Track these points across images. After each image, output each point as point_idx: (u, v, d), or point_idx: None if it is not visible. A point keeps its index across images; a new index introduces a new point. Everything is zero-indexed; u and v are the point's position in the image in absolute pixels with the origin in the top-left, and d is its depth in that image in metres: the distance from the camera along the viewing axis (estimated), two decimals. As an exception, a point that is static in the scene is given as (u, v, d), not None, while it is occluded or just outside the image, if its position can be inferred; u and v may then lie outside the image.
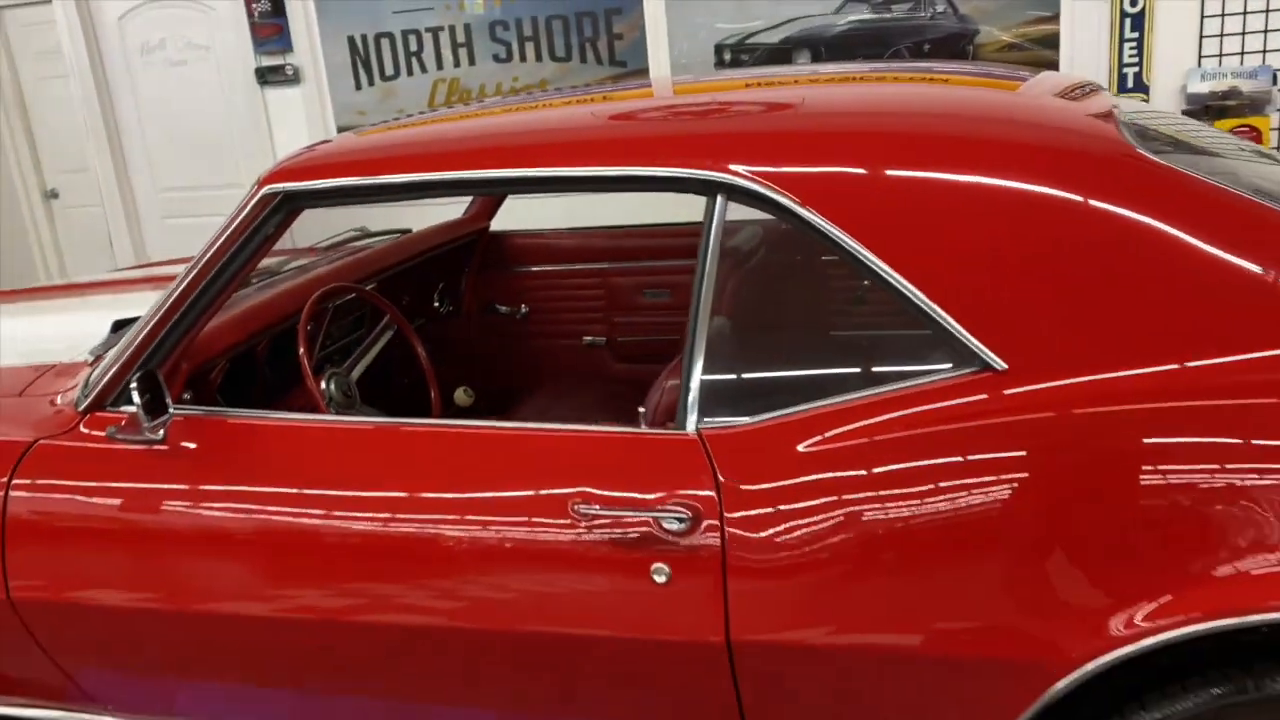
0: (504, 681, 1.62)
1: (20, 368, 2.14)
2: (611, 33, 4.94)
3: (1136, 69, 4.37)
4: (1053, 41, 4.43)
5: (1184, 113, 4.34)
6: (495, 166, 1.61)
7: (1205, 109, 4.30)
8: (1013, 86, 1.78)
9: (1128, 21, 4.32)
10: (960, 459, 1.34)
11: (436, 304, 3.00)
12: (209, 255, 1.72)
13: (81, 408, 1.80)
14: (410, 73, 5.25)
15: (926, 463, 1.35)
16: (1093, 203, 1.38)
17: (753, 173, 1.50)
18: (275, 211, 1.73)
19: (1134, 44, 4.35)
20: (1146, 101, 4.36)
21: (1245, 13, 4.19)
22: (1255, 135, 4.25)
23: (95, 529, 1.73)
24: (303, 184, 1.71)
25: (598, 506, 1.48)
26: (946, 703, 1.42)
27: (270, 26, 5.33)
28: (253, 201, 1.72)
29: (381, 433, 1.67)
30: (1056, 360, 1.36)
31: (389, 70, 5.28)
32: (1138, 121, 1.66)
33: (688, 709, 1.54)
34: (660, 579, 1.46)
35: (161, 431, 1.70)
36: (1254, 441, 1.27)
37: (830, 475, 1.39)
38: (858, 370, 1.48)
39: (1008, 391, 1.36)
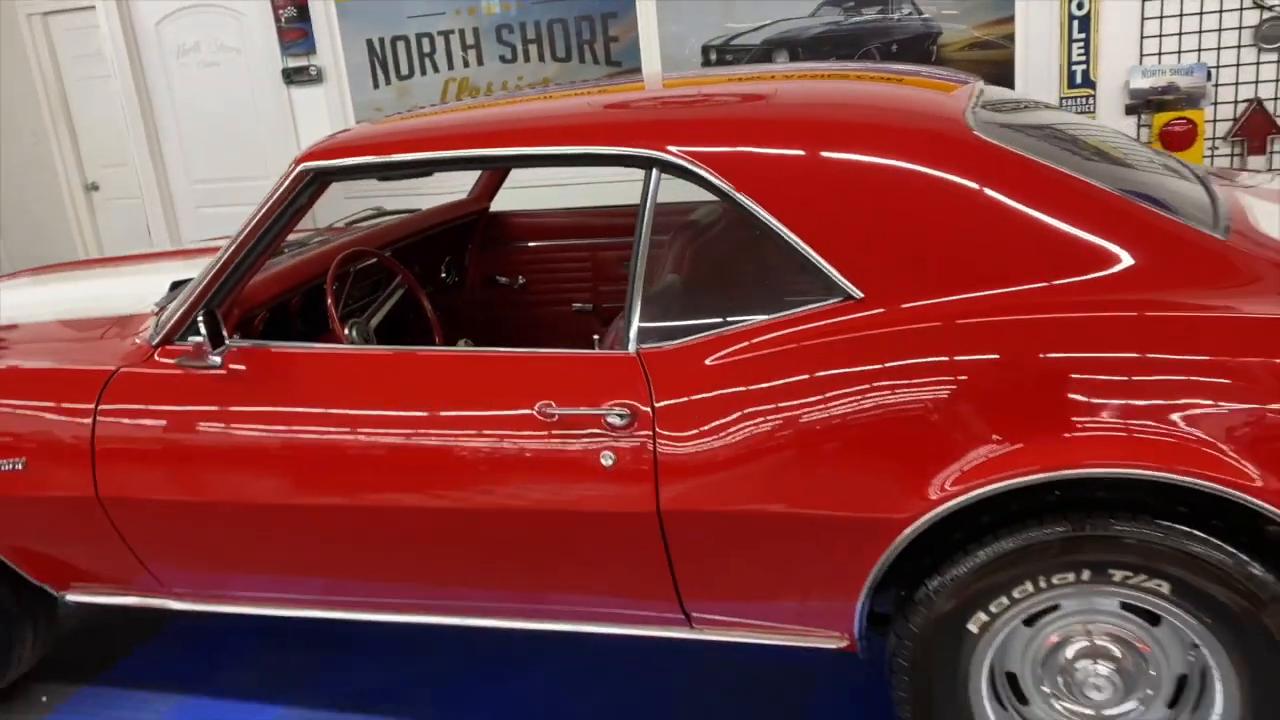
0: (488, 553, 2.07)
1: (98, 318, 2.61)
2: (608, 35, 5.38)
3: (1084, 66, 4.78)
4: (1009, 42, 4.84)
5: (1127, 107, 4.75)
6: (477, 146, 2.07)
7: (1146, 103, 4.70)
8: (935, 85, 2.23)
9: (1075, 23, 4.72)
10: (825, 365, 1.78)
11: (443, 275, 3.45)
12: (257, 219, 2.18)
13: (155, 342, 2.26)
14: (424, 72, 5.71)
15: (800, 369, 1.80)
16: (927, 170, 1.82)
17: (683, 152, 1.94)
18: (308, 185, 2.18)
19: (1081, 44, 4.75)
20: (1092, 94, 4.76)
21: (1182, 15, 4.59)
22: (1191, 127, 4.64)
23: (166, 438, 2.19)
24: (329, 162, 2.16)
25: (560, 408, 1.93)
26: (824, 551, 1.85)
27: (295, 30, 5.80)
28: (290, 177, 2.18)
29: (390, 359, 2.13)
30: (899, 290, 1.80)
31: (404, 70, 5.74)
32: (997, 116, 2.08)
33: (633, 564, 1.99)
34: (607, 462, 1.91)
35: (220, 359, 2.16)
36: (1042, 349, 1.70)
37: (729, 381, 1.84)
38: (753, 303, 1.92)
39: (862, 314, 1.80)
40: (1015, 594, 1.77)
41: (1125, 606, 1.80)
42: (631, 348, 1.94)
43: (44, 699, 2.71)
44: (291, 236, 2.62)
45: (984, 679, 1.87)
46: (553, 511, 1.98)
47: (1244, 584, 1.65)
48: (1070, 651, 1.85)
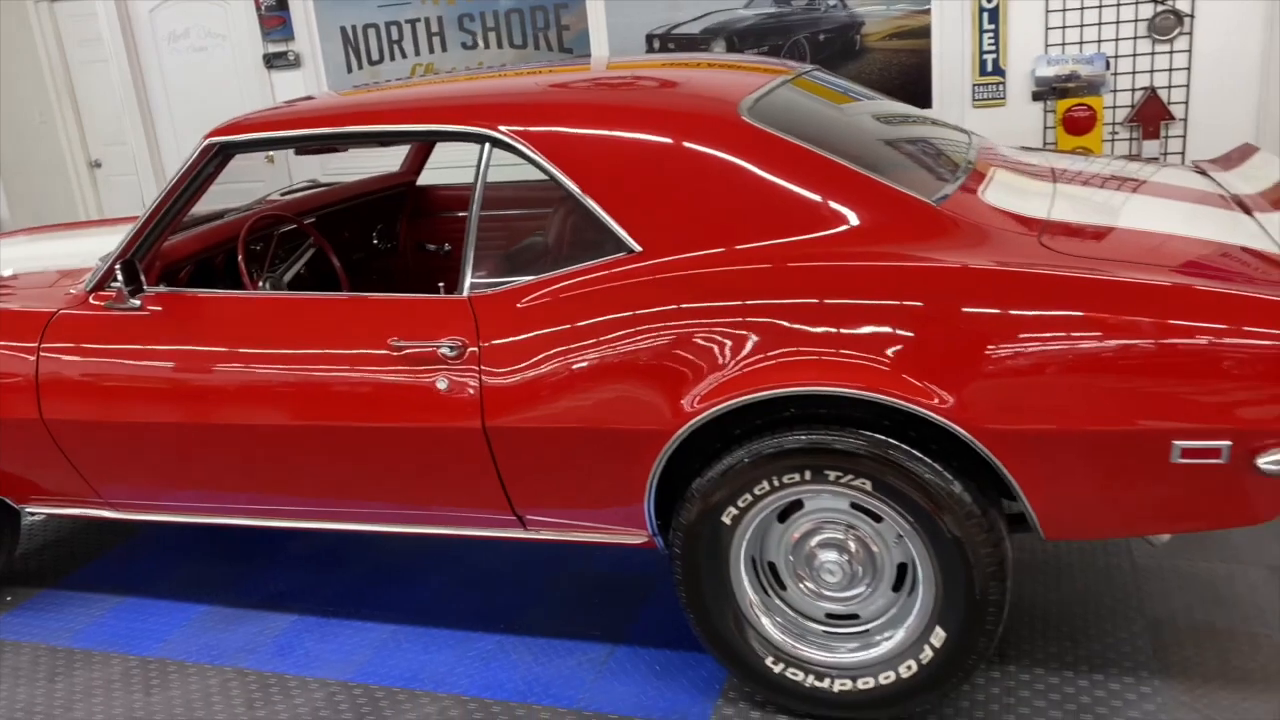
0: (359, 467, 2.48)
1: (56, 271, 3.06)
2: (560, 24, 5.77)
3: (994, 55, 5.12)
4: (925, 32, 5.19)
5: (1033, 94, 5.09)
6: (346, 125, 2.48)
7: (1051, 90, 5.04)
8: (761, 70, 2.62)
9: (985, 15, 5.07)
10: (607, 307, 2.18)
11: (375, 241, 3.87)
12: (170, 186, 2.60)
13: (89, 289, 2.70)
14: (393, 58, 6.12)
15: (588, 309, 2.20)
16: (695, 146, 2.21)
17: (510, 131, 2.34)
18: (214, 157, 2.61)
19: (991, 34, 5.10)
20: (1002, 81, 5.10)
21: (1083, 7, 4.92)
22: (1091, 113, 4.98)
23: (94, 368, 2.63)
24: (230, 137, 2.58)
25: (405, 342, 2.34)
26: (613, 460, 2.24)
27: (275, 18, 6.23)
28: (199, 150, 2.60)
29: (278, 303, 2.55)
30: (670, 245, 2.19)
31: (375, 56, 6.16)
32: (780, 101, 2.47)
33: (472, 474, 2.39)
34: (442, 386, 2.32)
35: (139, 302, 2.59)
36: (774, 292, 2.09)
37: (534, 319, 2.24)
38: (560, 256, 2.32)
39: (639, 264, 2.20)
40: (756, 491, 2.17)
41: (854, 506, 2.20)
42: (465, 292, 2.35)
43: (9, 599, 3.17)
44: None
45: (742, 565, 2.27)
46: (406, 429, 2.39)
47: (925, 486, 2.04)
48: (811, 543, 2.25)
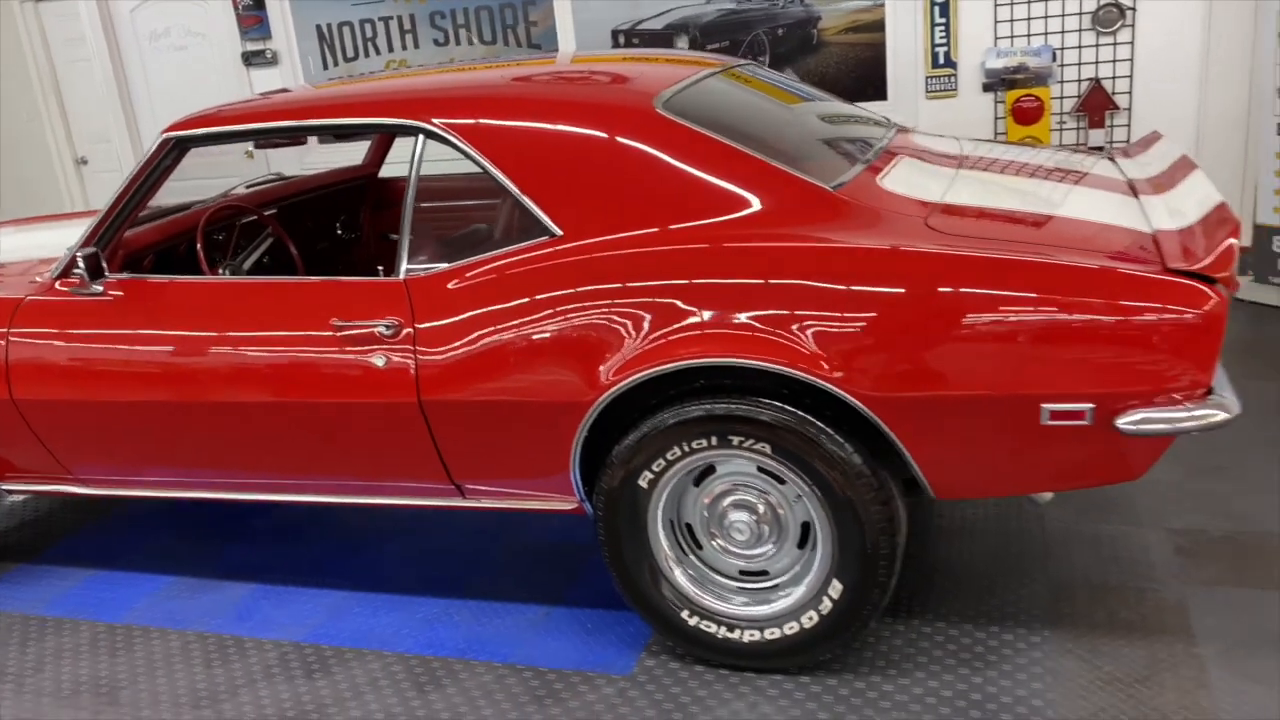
0: (307, 440, 2.65)
1: (30, 260, 3.23)
2: (528, 21, 5.94)
3: (945, 48, 5.28)
4: (880, 26, 5.35)
5: (984, 85, 5.26)
6: (292, 119, 2.65)
7: (1000, 81, 5.21)
8: (690, 63, 2.80)
9: (936, 9, 5.23)
10: (530, 287, 2.35)
11: (340, 231, 4.03)
12: (130, 179, 2.76)
13: (54, 276, 2.86)
14: (367, 54, 6.29)
15: (513, 290, 2.36)
16: (611, 136, 2.37)
17: (442, 123, 2.51)
18: (171, 151, 2.77)
19: (943, 28, 5.26)
20: (954, 74, 5.26)
21: (1030, 1, 5.08)
22: (1038, 104, 5.15)
23: (59, 350, 2.79)
24: (185, 132, 2.75)
25: (346, 322, 2.51)
26: (540, 431, 2.40)
27: (252, 17, 6.39)
28: (156, 145, 2.76)
29: (231, 287, 2.72)
30: (589, 229, 2.35)
31: (350, 53, 6.32)
32: (698, 92, 2.63)
33: (411, 446, 2.56)
34: (380, 363, 2.49)
35: (100, 288, 2.76)
36: (681, 272, 2.25)
37: (464, 299, 2.41)
38: (489, 240, 2.49)
39: (560, 247, 2.37)
40: (669, 456, 2.34)
41: (761, 470, 2.36)
42: (401, 275, 2.52)
43: (-13, 573, 3.35)
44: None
45: (660, 525, 2.44)
46: (348, 405, 2.56)
47: (818, 449, 2.21)
48: (723, 504, 2.42)
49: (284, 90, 3.18)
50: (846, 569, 2.29)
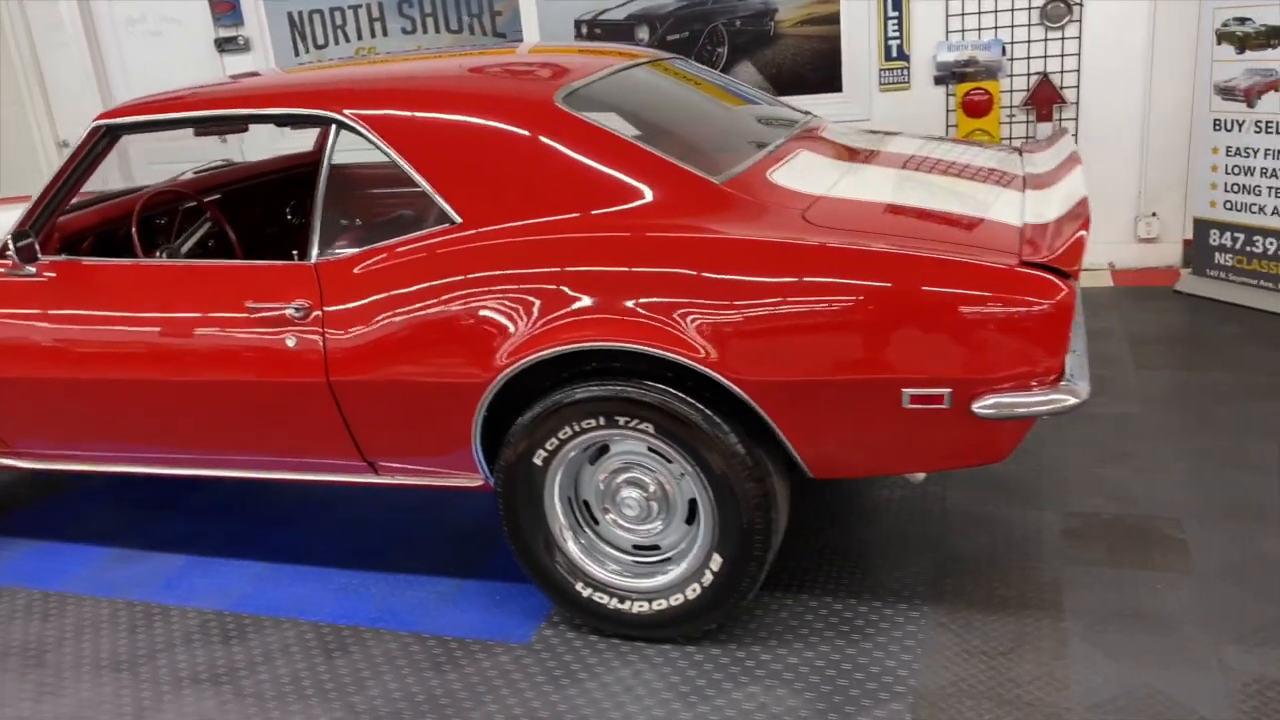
0: (226, 417, 2.77)
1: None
2: (493, 9, 6.02)
3: (898, 41, 5.37)
4: (835, 19, 5.44)
5: (935, 78, 5.34)
6: (214, 109, 2.76)
7: (951, 74, 5.29)
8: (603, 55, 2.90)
9: (889, 2, 5.31)
10: (430, 272, 2.46)
11: (289, 216, 4.14)
12: (63, 165, 2.88)
13: (-10, 258, 2.99)
14: (337, 42, 6.38)
15: (414, 274, 2.47)
16: (510, 128, 2.48)
17: (352, 114, 2.61)
18: (102, 138, 2.88)
19: (895, 21, 5.34)
20: (906, 66, 5.35)
21: (980, -4, 5.17)
22: (987, 97, 5.23)
23: (-1, 329, 2.92)
24: (116, 120, 2.86)
25: (259, 303, 2.62)
26: (442, 409, 2.51)
27: (225, 4, 6.48)
28: (88, 132, 2.87)
29: (155, 269, 2.83)
30: (487, 217, 2.46)
31: (320, 40, 6.41)
32: (607, 88, 2.74)
33: (324, 423, 2.67)
34: (291, 343, 2.60)
35: (33, 269, 2.88)
36: (571, 260, 2.36)
37: (369, 283, 2.52)
38: (394, 227, 2.59)
39: (459, 234, 2.47)
40: (561, 435, 2.45)
41: (651, 449, 2.47)
42: (313, 259, 2.63)
43: (-64, 543, 3.48)
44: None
45: (556, 501, 2.55)
46: (263, 383, 2.67)
47: (696, 429, 2.31)
48: (616, 481, 2.53)
49: (253, 73, 3.29)
50: (726, 544, 2.40)
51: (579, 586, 2.58)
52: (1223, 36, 4.48)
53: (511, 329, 2.40)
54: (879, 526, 3.00)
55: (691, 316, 2.27)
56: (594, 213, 2.42)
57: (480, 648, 2.62)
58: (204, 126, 2.89)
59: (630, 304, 2.31)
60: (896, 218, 2.41)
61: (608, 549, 2.59)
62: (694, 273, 2.29)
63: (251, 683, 2.57)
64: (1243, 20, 4.39)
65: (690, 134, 2.73)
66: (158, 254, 3.25)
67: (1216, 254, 4.74)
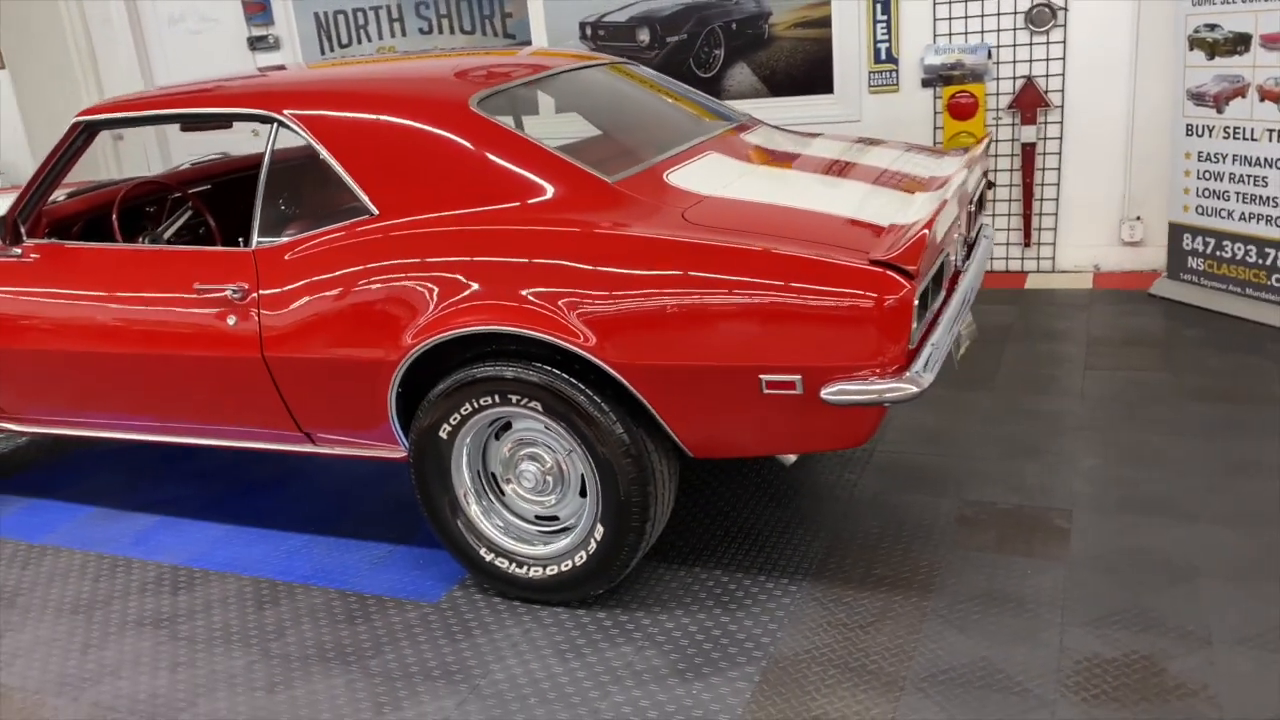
0: (178, 388, 3.05)
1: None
2: (504, 11, 6.27)
3: (887, 44, 5.48)
4: (827, 22, 5.57)
5: (923, 81, 5.44)
6: (174, 108, 3.04)
7: (938, 77, 5.39)
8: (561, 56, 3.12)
9: (878, 6, 5.43)
10: (349, 259, 2.70)
11: (283, 207, 4.43)
12: (47, 158, 3.18)
13: (-18, 240, 3.31)
14: (359, 41, 6.69)
15: (335, 261, 2.72)
16: (423, 127, 2.71)
17: (290, 114, 2.87)
18: (82, 134, 3.18)
19: (884, 24, 5.46)
20: (895, 69, 5.46)
21: (968, 0, 5.26)
22: (972, 100, 5.32)
23: (-12, 304, 3.24)
24: (94, 117, 3.15)
25: (206, 285, 2.89)
26: (361, 385, 2.75)
27: (257, 5, 6.84)
28: (68, 129, 3.18)
29: (122, 253, 3.12)
30: (401, 209, 2.69)
31: (344, 39, 6.73)
32: (527, 90, 2.95)
33: (263, 396, 2.93)
34: (231, 322, 2.86)
35: (19, 250, 3.19)
36: (471, 249, 2.58)
37: (297, 269, 2.77)
38: (322, 218, 2.84)
39: (375, 225, 2.71)
40: (463, 411, 2.67)
41: (548, 428, 2.68)
42: (252, 246, 2.89)
43: (-55, 498, 3.84)
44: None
45: (464, 471, 2.77)
46: (209, 358, 2.94)
47: (578, 408, 2.52)
48: (518, 455, 2.75)
49: (280, 67, 3.57)
50: (607, 515, 2.60)
51: (482, 551, 2.80)
52: (1194, 42, 4.53)
53: (417, 313, 2.62)
54: (789, 508, 3.17)
55: (574, 305, 2.47)
56: (496, 207, 2.64)
57: (394, 605, 2.86)
58: (166, 123, 3.16)
59: (521, 292, 2.52)
60: (770, 218, 2.59)
61: (510, 517, 2.81)
62: (578, 265, 2.49)
63: (187, 628, 2.84)
64: (1213, 27, 4.43)
65: (607, 135, 2.92)
66: (141, 239, 3.55)
67: (1190, 258, 4.79)
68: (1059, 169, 5.35)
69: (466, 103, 2.78)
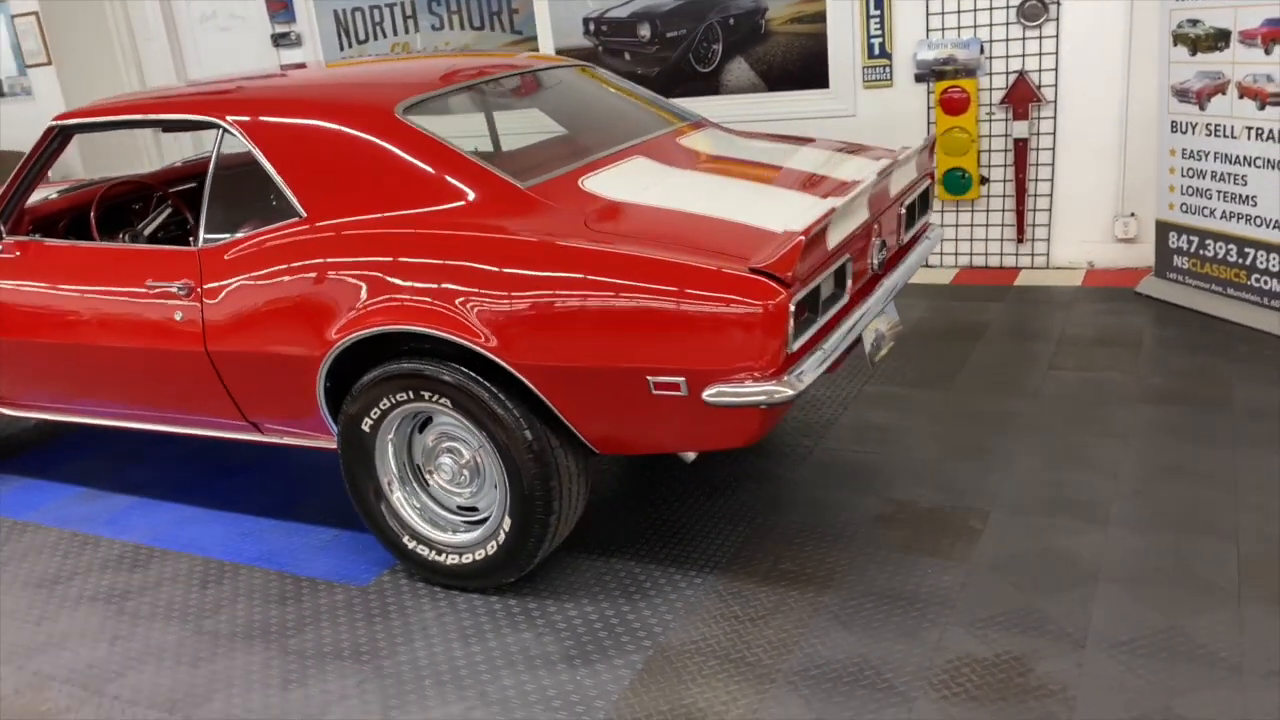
0: (134, 378, 3.23)
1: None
2: (511, 8, 6.40)
3: (881, 39, 5.49)
4: (822, 17, 5.59)
5: (916, 76, 5.44)
6: (140, 113, 3.22)
7: (931, 72, 5.39)
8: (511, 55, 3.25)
9: (872, 1, 5.43)
10: (278, 259, 2.85)
11: (229, 208, 4.60)
12: (24, 160, 3.39)
13: (-30, 237, 3.54)
14: (375, 38, 6.88)
15: (266, 261, 2.87)
16: (349, 132, 2.84)
17: (231, 120, 3.03)
18: (57, 137, 3.39)
19: (878, 20, 5.46)
20: (889, 64, 5.46)
21: (960, -5, 5.24)
22: (965, 95, 5.31)
23: (-28, 297, 3.47)
24: (68, 121, 3.35)
25: (156, 282, 3.07)
26: (293, 378, 2.90)
27: (279, 2, 7.06)
28: (44, 133, 3.38)
29: (90, 250, 3.32)
30: (327, 212, 2.83)
31: (361, 36, 6.92)
32: (464, 96, 3.07)
33: (210, 387, 3.10)
34: (179, 318, 3.04)
35: (0, 247, 3.41)
36: (389, 251, 2.71)
37: (234, 268, 2.93)
38: (259, 219, 3.00)
39: (303, 227, 2.85)
40: (382, 405, 2.81)
41: (460, 423, 2.81)
42: (198, 245, 3.06)
43: (-50, 476, 4.11)
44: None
45: (390, 464, 2.90)
46: (159, 351, 3.12)
47: (482, 405, 2.63)
48: (439, 448, 2.88)
49: (301, 65, 3.74)
50: (514, 507, 2.72)
51: (405, 539, 2.94)
52: (1178, 38, 4.47)
53: (338, 312, 2.76)
54: (719, 501, 3.25)
55: (476, 306, 2.59)
56: (415, 211, 2.76)
57: (325, 587, 3.02)
58: (131, 128, 3.35)
59: (430, 294, 2.64)
60: (670, 223, 2.67)
61: (435, 508, 2.94)
62: (481, 267, 2.60)
63: (134, 604, 3.04)
64: (1195, 22, 4.37)
65: (540, 141, 3.03)
66: (122, 236, 3.76)
67: (1175, 257, 4.73)
68: (1052, 165, 5.31)
69: (392, 109, 2.90)
